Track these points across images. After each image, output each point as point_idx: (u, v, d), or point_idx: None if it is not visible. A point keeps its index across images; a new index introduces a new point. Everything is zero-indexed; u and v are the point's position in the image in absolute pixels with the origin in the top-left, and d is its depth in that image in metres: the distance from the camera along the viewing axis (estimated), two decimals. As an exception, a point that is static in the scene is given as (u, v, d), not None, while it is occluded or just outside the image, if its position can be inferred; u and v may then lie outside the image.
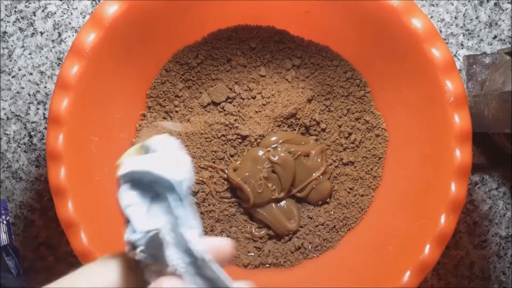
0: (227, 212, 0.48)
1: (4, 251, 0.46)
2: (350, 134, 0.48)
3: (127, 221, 0.28)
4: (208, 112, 0.48)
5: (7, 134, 0.51)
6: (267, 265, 0.47)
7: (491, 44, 0.52)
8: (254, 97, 0.48)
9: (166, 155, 0.29)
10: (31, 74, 0.51)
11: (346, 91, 0.48)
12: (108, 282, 0.28)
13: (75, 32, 0.51)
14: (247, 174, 0.47)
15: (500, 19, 0.52)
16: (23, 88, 0.51)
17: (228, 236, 0.48)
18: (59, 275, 0.27)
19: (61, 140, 0.39)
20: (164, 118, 0.48)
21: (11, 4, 0.51)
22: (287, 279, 0.46)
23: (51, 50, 0.51)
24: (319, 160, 0.47)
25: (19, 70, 0.51)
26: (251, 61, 0.48)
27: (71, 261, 0.50)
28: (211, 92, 0.48)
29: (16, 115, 0.51)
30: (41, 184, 0.51)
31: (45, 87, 0.51)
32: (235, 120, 0.47)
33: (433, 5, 0.52)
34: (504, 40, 0.52)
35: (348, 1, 0.43)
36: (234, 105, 0.48)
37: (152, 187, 0.28)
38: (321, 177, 0.47)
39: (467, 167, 0.40)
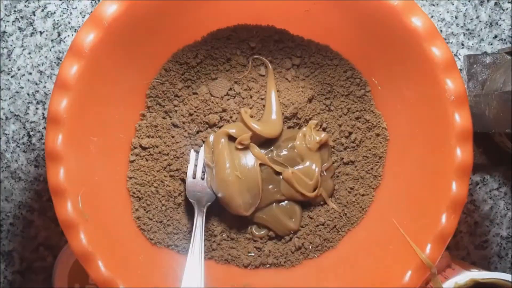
0: (227, 212, 0.48)
1: None
2: (350, 133, 0.48)
3: None
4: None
5: (6, 134, 0.51)
6: (268, 265, 0.47)
7: (491, 44, 0.52)
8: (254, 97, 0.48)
9: None
10: (30, 73, 0.51)
11: (346, 90, 0.48)
12: None
13: (75, 31, 0.51)
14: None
15: (500, 18, 0.52)
16: (22, 87, 0.51)
17: (228, 236, 0.47)
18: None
19: (60, 140, 0.39)
20: (164, 118, 0.48)
21: (10, 3, 0.51)
22: (287, 279, 0.46)
23: (50, 50, 0.51)
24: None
25: (18, 69, 0.51)
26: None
27: (70, 261, 0.50)
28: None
29: (15, 114, 0.51)
30: (40, 184, 0.51)
31: (45, 86, 0.51)
32: (236, 119, 0.47)
33: (433, 5, 0.52)
34: (505, 39, 0.52)
35: (348, 1, 0.42)
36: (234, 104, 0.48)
37: None
38: (324, 172, 0.47)
39: (468, 166, 0.40)
